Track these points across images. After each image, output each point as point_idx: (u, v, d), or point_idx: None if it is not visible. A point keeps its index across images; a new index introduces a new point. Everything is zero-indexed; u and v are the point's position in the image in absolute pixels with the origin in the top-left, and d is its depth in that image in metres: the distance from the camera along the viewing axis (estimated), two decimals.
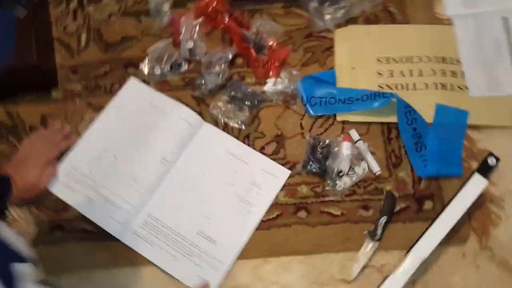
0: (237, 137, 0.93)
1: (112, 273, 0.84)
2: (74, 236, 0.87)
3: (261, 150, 0.92)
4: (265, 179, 0.89)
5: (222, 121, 0.95)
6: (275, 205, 0.88)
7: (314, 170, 0.88)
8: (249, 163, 0.91)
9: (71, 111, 0.96)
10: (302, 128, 0.93)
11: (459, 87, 0.93)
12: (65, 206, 0.88)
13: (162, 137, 0.93)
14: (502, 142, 0.89)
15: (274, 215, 0.87)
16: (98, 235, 0.86)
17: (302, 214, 0.87)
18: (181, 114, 0.94)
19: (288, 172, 0.89)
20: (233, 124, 0.94)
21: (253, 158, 0.91)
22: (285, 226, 0.86)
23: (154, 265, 0.84)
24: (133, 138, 0.93)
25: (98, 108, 0.96)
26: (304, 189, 0.89)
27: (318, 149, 0.90)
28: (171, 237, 0.86)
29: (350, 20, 1.01)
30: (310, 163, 0.89)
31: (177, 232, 0.87)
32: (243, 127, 0.94)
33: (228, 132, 0.94)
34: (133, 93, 0.97)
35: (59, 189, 0.90)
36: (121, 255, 0.84)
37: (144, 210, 0.88)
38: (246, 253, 0.84)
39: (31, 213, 0.89)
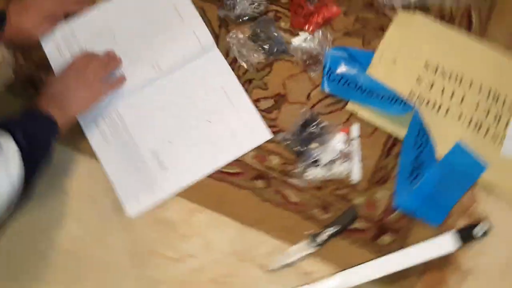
0: (239, 78, 0.85)
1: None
2: None
3: (256, 102, 0.84)
4: (243, 132, 0.82)
5: (233, 54, 0.86)
6: (239, 161, 0.81)
7: (293, 147, 0.80)
8: (236, 108, 0.84)
9: None
10: (308, 98, 0.84)
11: (493, 136, 0.78)
12: (48, 68, 0.86)
13: (166, 43, 0.87)
14: (505, 218, 0.75)
15: (233, 171, 0.81)
16: None
17: (259, 183, 0.80)
18: (196, 29, 0.87)
19: (269, 136, 0.81)
20: (242, 62, 0.86)
21: (243, 106, 0.84)
22: (238, 187, 0.80)
23: (98, 162, 0.81)
24: (139, 30, 0.88)
25: None
26: (274, 160, 0.81)
27: (310, 127, 0.80)
28: (127, 144, 0.83)
29: (422, 8, 0.85)
30: (294, 138, 0.80)
31: (134, 142, 0.83)
32: (251, 70, 0.85)
33: (233, 68, 0.85)
34: None
35: (50, 48, 0.88)
36: (71, 134, 0.81)
37: (114, 104, 0.85)
38: (188, 194, 0.80)
39: (16, 59, 0.87)
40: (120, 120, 0.84)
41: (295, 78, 0.85)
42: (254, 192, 0.80)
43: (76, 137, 0.82)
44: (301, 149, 0.80)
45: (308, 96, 0.84)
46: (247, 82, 0.85)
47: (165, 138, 0.83)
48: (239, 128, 0.83)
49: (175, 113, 0.84)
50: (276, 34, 0.87)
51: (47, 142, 0.72)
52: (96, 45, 0.86)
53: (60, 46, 0.87)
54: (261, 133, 0.82)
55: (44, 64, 0.86)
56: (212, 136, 0.82)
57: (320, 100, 0.84)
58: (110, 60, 0.85)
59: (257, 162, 0.81)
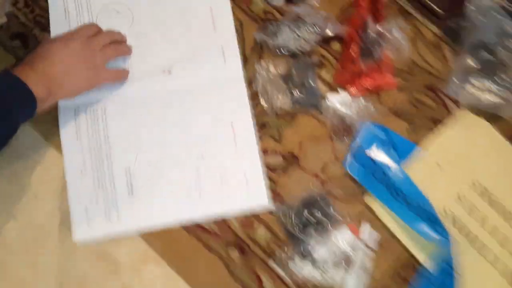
0: (253, 117, 0.69)
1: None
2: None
3: (263, 152, 0.68)
4: (238, 185, 0.67)
5: (257, 87, 0.70)
6: (219, 220, 0.65)
7: (288, 226, 0.64)
8: (240, 152, 0.69)
9: None
10: (323, 171, 0.69)
11: None
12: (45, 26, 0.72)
13: (187, 47, 0.73)
14: None
15: (209, 229, 0.65)
16: None
17: (234, 253, 0.65)
18: (225, 45, 0.73)
19: (267, 205, 0.66)
20: (263, 101, 0.70)
21: (249, 153, 0.69)
22: (208, 249, 0.64)
23: (61, 159, 0.67)
24: (161, 22, 0.74)
25: None
26: (261, 232, 0.66)
27: (314, 208, 0.65)
28: (100, 151, 0.68)
29: (491, 116, 0.70)
30: (291, 215, 0.65)
31: (110, 151, 0.68)
32: (270, 113, 0.70)
33: (250, 99, 0.70)
34: None
35: (55, 3, 0.73)
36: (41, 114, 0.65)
37: (104, 99, 0.70)
38: (150, 237, 0.65)
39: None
40: (103, 121, 0.68)
41: (316, 142, 0.70)
42: (224, 262, 0.64)
43: (46, 119, 0.66)
44: (296, 232, 0.64)
45: (324, 168, 0.69)
46: (260, 126, 0.69)
47: (145, 160, 0.67)
48: (235, 179, 0.67)
49: (168, 134, 0.69)
50: (312, 82, 0.72)
51: (14, 122, 0.57)
52: (110, 20, 0.72)
53: (68, 5, 0.71)
54: (259, 197, 0.67)
55: (43, 18, 0.71)
56: (201, 176, 0.67)
57: (336, 178, 0.68)
58: (123, 44, 0.69)
59: (240, 227, 0.66)
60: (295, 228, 0.64)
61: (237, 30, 0.73)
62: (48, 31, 0.70)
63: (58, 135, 0.68)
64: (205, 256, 0.64)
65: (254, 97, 0.71)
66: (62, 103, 0.68)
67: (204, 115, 0.69)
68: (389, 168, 0.67)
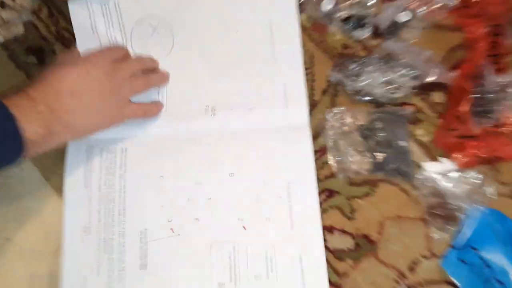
0: (318, 181, 0.51)
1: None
2: None
3: (327, 231, 0.50)
4: (288, 273, 0.49)
5: (325, 141, 0.52)
6: None
7: None
8: (296, 226, 0.51)
9: None
10: (411, 269, 0.49)
11: None
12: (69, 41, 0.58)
13: (239, 81, 0.56)
14: None
15: None
16: None
17: None
18: (288, 82, 0.56)
19: None
20: (332, 159, 0.53)
21: (307, 228, 0.51)
22: None
23: (60, 205, 0.52)
24: (206, 45, 0.57)
25: None
26: None
27: None
28: (111, 203, 0.52)
29: None
30: None
31: (123, 205, 0.52)
32: (340, 178, 0.52)
33: (314, 157, 0.51)
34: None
35: (78, 14, 0.56)
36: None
37: (126, 133, 0.54)
38: None
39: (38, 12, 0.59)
40: (122, 166, 0.53)
41: (403, 225, 0.50)
42: None
43: (49, 152, 0.49)
44: None
45: (413, 265, 0.48)
46: (325, 193, 0.50)
47: (169, 223, 0.50)
48: (285, 266, 0.49)
49: (203, 192, 0.52)
50: (403, 142, 0.52)
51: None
52: (145, 39, 0.57)
53: (95, 18, 0.56)
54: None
55: (68, 32, 0.58)
56: (239, 257, 0.49)
57: (430, 282, 0.47)
58: (156, 73, 0.54)
59: None
60: None
61: (305, 66, 0.55)
62: (74, 44, 0.55)
63: (61, 175, 0.52)
64: None
65: (320, 154, 0.52)
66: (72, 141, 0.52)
67: (253, 171, 0.52)
68: (508, 275, 0.46)
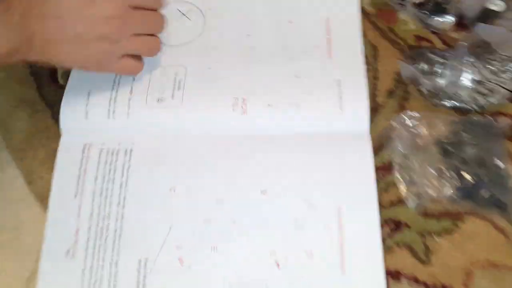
0: (381, 208, 0.37)
1: None
2: None
3: (392, 277, 0.36)
4: None
5: (391, 157, 0.39)
6: None
7: None
8: (348, 270, 0.37)
9: None
10: None
11: None
12: None
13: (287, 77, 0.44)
14: None
15: None
16: None
17: None
18: (342, 84, 0.43)
19: None
20: (400, 181, 0.38)
21: (366, 274, 0.37)
22: None
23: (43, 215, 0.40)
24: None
25: None
26: None
27: None
28: (105, 219, 0.40)
29: None
30: None
31: (119, 224, 0.41)
32: (412, 206, 0.38)
33: (378, 181, 0.40)
34: None
35: None
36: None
37: (134, 127, 0.43)
38: None
39: None
40: (124, 172, 0.41)
41: (499, 276, 0.37)
42: None
43: (38, 152, 0.41)
44: None
45: None
46: (390, 225, 0.37)
47: (177, 252, 0.38)
48: None
49: (228, 212, 0.40)
50: (499, 163, 0.38)
51: None
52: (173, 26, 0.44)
53: None
54: None
55: None
56: None
57: None
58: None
59: None
60: None
61: (366, 60, 0.42)
62: None
63: (48, 180, 0.41)
64: None
65: (384, 173, 0.38)
66: (66, 137, 0.42)
67: (292, 189, 0.39)
68: None
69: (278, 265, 0.37)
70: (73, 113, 0.43)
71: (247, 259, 0.37)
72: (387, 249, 0.37)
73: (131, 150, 0.42)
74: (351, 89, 0.43)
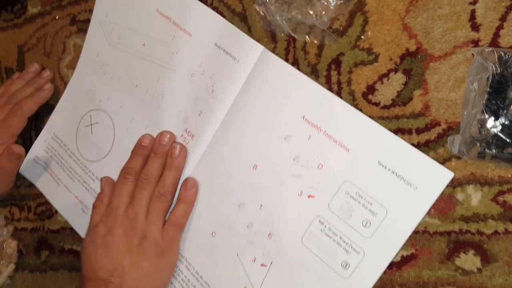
0: (313, 68, 0.42)
1: None
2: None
3: (367, 96, 0.40)
4: (388, 188, 0.38)
5: (281, 25, 0.43)
6: None
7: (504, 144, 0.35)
8: (347, 144, 0.39)
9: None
10: (474, 27, 0.37)
11: None
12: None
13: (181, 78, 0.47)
14: None
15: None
16: None
17: (464, 260, 0.38)
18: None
19: (449, 174, 0.36)
20: (300, 32, 0.43)
21: (357, 134, 0.39)
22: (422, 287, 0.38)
23: None
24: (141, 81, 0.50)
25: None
26: (474, 197, 0.38)
27: None
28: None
29: None
30: (493, 124, 0.35)
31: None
32: (325, 39, 0.42)
33: (294, 60, 0.43)
34: None
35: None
36: None
37: None
38: None
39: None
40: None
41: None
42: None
43: None
44: None
45: (473, 24, 0.38)
46: (332, 65, 0.41)
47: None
48: (377, 189, 0.39)
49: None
50: None
51: None
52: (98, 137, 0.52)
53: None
54: (429, 176, 0.37)
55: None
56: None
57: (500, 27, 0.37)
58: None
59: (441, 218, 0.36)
60: None
61: None
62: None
63: None
64: None
65: (290, 44, 0.42)
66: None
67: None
68: None
69: None
70: None
71: None
72: None
73: None
74: None
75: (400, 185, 0.37)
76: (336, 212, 0.39)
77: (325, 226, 0.39)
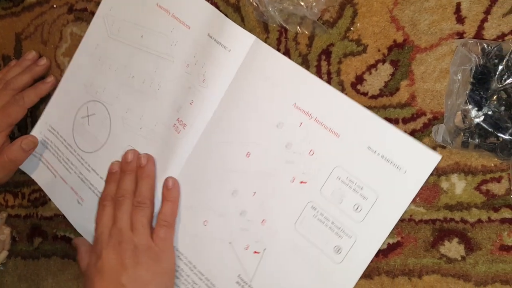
0: (303, 58, 0.44)
1: None
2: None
3: (356, 86, 0.41)
4: (377, 172, 0.39)
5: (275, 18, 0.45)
6: None
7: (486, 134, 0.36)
8: (337, 130, 0.41)
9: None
10: (459, 20, 0.39)
11: None
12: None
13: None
14: None
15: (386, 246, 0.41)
16: None
17: (448, 248, 0.39)
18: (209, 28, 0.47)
19: (436, 156, 0.38)
20: (291, 22, 0.44)
21: (346, 120, 0.41)
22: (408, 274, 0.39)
23: None
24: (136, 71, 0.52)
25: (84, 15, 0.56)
26: (458, 186, 0.39)
27: (497, 75, 0.36)
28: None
29: None
30: (476, 114, 0.37)
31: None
32: (316, 30, 0.44)
33: (286, 50, 0.45)
34: None
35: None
36: None
37: None
38: None
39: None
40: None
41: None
42: (445, 272, 0.36)
43: None
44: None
45: (458, 14, 0.40)
46: (322, 56, 0.42)
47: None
48: (365, 173, 0.40)
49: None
50: None
51: None
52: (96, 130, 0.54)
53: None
54: (417, 158, 0.38)
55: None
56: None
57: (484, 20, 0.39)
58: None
59: (426, 206, 0.38)
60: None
61: None
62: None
63: None
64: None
65: (282, 34, 0.44)
66: None
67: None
68: None
69: None
70: None
71: None
72: None
73: None
74: None
75: (389, 169, 0.38)
76: (328, 198, 0.41)
77: (317, 212, 0.41)
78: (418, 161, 0.38)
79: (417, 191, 0.38)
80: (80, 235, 0.53)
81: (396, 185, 0.38)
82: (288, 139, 0.42)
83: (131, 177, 0.47)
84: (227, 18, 0.45)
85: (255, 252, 0.43)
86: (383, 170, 0.39)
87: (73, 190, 0.54)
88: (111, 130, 0.52)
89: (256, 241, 0.43)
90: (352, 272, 0.40)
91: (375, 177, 0.39)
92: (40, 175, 0.56)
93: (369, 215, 0.39)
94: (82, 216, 0.53)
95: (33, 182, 0.57)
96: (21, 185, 0.61)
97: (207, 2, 0.47)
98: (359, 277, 0.40)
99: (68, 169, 0.54)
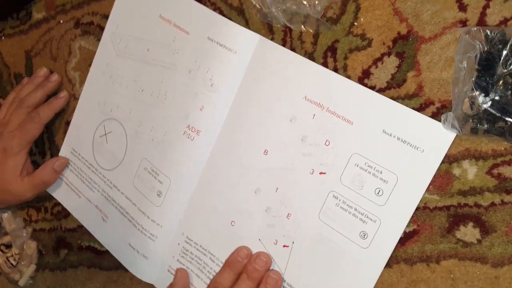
0: (310, 57, 0.46)
1: None
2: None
3: (363, 81, 0.43)
4: (395, 154, 0.41)
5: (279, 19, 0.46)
6: None
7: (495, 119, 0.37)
8: (350, 118, 0.43)
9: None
10: (462, 8, 0.40)
11: None
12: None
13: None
14: None
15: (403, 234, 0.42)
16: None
17: (464, 233, 0.41)
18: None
19: (450, 134, 0.40)
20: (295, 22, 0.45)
21: (358, 106, 0.43)
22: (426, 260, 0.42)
23: None
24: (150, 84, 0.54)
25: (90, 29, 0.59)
26: (470, 172, 0.41)
27: (502, 60, 0.37)
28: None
29: None
30: (483, 100, 0.38)
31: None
32: (320, 28, 0.45)
33: (291, 49, 0.46)
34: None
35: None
36: None
37: (178, 229, 0.52)
38: None
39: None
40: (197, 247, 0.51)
41: None
42: (463, 256, 0.38)
43: None
44: None
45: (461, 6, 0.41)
46: (328, 53, 0.44)
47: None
48: (382, 157, 0.43)
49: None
50: None
51: None
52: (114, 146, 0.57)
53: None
54: (431, 137, 0.41)
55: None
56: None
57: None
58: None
59: (440, 193, 0.39)
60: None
61: None
62: None
63: None
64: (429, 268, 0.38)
65: (287, 35, 0.45)
66: None
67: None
68: None
69: None
70: None
71: None
72: None
73: None
74: None
75: (406, 150, 0.40)
76: (348, 185, 0.43)
77: (339, 200, 0.43)
78: (434, 138, 0.40)
79: (437, 168, 0.40)
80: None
81: (415, 165, 0.40)
82: (302, 132, 0.44)
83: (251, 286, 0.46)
84: (228, 20, 0.47)
85: (284, 246, 0.45)
86: (400, 151, 0.41)
87: (97, 208, 0.56)
88: (127, 145, 0.54)
89: (284, 235, 0.45)
90: (379, 256, 0.42)
91: (393, 159, 0.41)
92: (65, 196, 0.60)
93: (391, 197, 0.41)
94: (107, 232, 0.56)
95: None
96: (43, 199, 0.63)
97: (203, 6, 0.49)
98: (386, 260, 0.42)
99: (92, 188, 0.57)
